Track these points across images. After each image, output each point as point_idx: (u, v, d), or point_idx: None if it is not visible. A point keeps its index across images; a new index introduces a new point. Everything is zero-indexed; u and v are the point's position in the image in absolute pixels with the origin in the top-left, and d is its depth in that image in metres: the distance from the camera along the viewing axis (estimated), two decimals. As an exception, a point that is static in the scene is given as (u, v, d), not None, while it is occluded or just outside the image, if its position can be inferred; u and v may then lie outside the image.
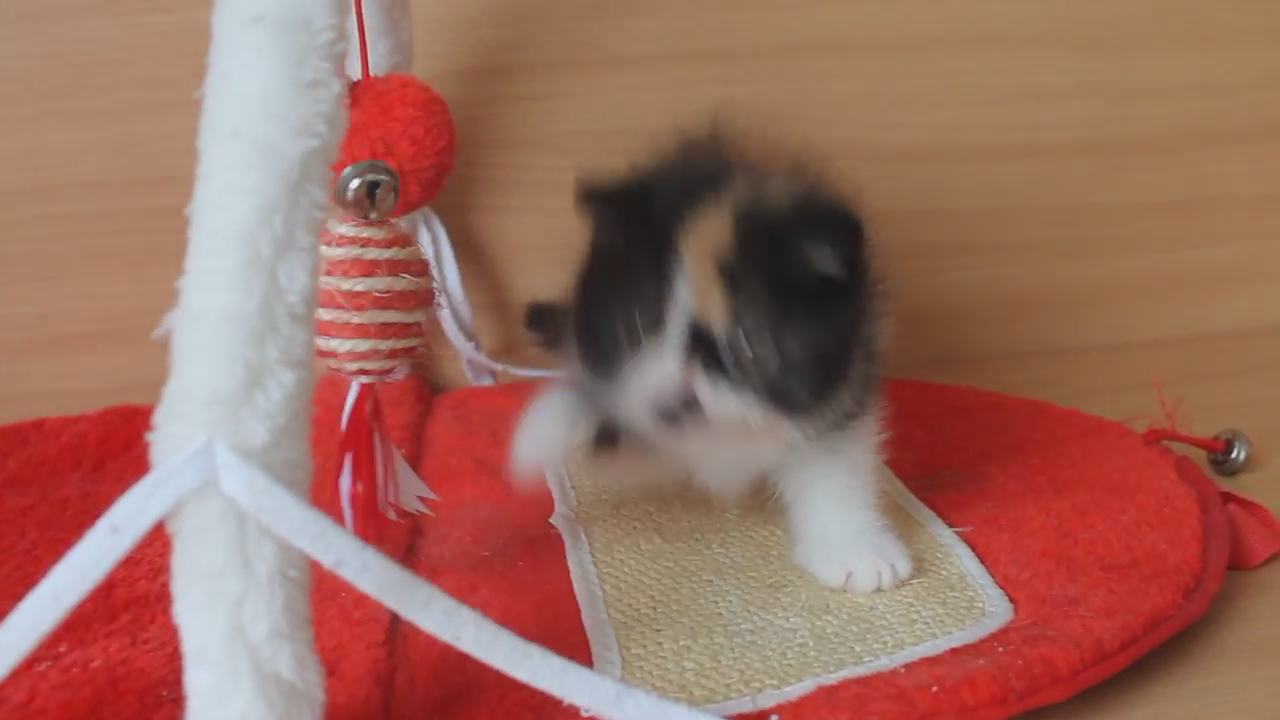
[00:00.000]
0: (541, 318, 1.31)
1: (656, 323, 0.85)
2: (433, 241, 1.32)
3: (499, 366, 1.36)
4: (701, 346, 0.85)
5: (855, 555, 0.90)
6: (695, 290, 0.85)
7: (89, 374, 1.34)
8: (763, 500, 0.99)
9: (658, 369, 0.85)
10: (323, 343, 0.85)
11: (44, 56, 1.29)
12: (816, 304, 0.86)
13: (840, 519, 0.93)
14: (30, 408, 1.25)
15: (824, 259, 0.85)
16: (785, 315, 0.85)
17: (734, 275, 0.85)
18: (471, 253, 1.38)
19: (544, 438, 0.96)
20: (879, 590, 0.89)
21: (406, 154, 1.00)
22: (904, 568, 0.90)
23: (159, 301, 1.33)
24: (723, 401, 0.85)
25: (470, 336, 1.36)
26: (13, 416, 1.23)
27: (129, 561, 0.63)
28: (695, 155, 0.95)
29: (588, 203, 0.90)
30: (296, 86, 0.65)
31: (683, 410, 0.86)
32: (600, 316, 0.89)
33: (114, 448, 1.20)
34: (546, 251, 1.35)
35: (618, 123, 1.36)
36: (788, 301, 0.85)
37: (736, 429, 0.86)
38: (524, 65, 1.36)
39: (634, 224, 0.88)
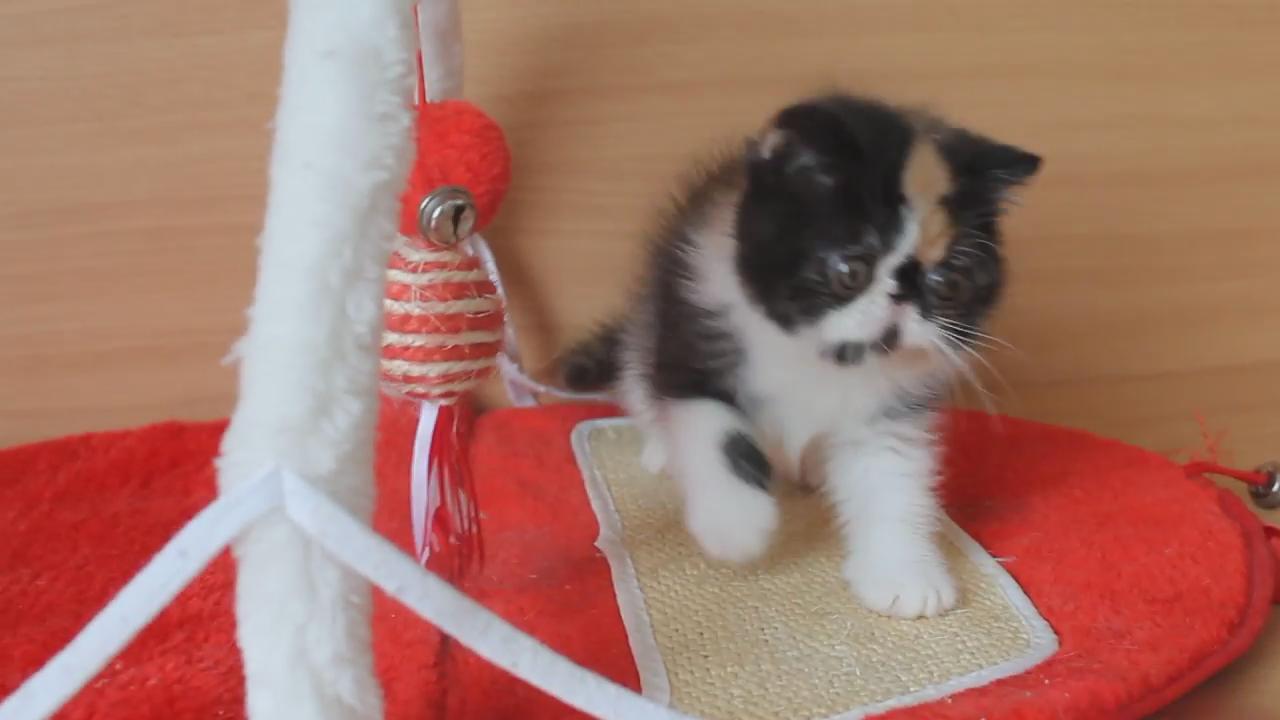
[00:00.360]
0: (584, 374, 1.32)
1: (873, 259, 0.87)
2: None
3: (541, 388, 1.38)
4: (910, 281, 0.87)
5: (903, 580, 0.92)
6: (922, 225, 0.86)
7: (136, 390, 1.36)
8: (810, 489, 1.05)
9: (875, 305, 0.87)
10: (416, 369, 0.86)
11: (99, 76, 1.31)
12: (992, 238, 0.91)
13: (896, 545, 0.95)
14: (77, 422, 1.27)
15: (1010, 193, 0.92)
16: (983, 249, 0.89)
17: (956, 208, 0.88)
18: (516, 275, 1.39)
19: (737, 528, 0.94)
20: (922, 616, 0.90)
21: (462, 180, 1.01)
22: (949, 597, 0.91)
23: (206, 319, 1.37)
24: (925, 332, 0.88)
25: (514, 358, 1.37)
26: (60, 431, 1.25)
27: (182, 580, 0.64)
28: (858, 99, 0.95)
29: (795, 129, 0.89)
30: (367, 120, 0.66)
31: (880, 344, 0.88)
32: (804, 253, 0.88)
33: (161, 464, 1.21)
34: (590, 274, 1.39)
35: (663, 148, 1.36)
36: (984, 235, 0.90)
37: (913, 357, 0.91)
38: (571, 90, 1.37)
39: (846, 158, 0.87)
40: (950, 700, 0.78)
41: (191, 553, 0.63)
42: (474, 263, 0.89)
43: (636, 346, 1.13)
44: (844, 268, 0.87)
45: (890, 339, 0.88)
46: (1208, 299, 1.52)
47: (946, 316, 0.88)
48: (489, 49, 1.34)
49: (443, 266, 0.88)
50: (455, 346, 0.86)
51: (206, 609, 0.91)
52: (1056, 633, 0.87)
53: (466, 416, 1.33)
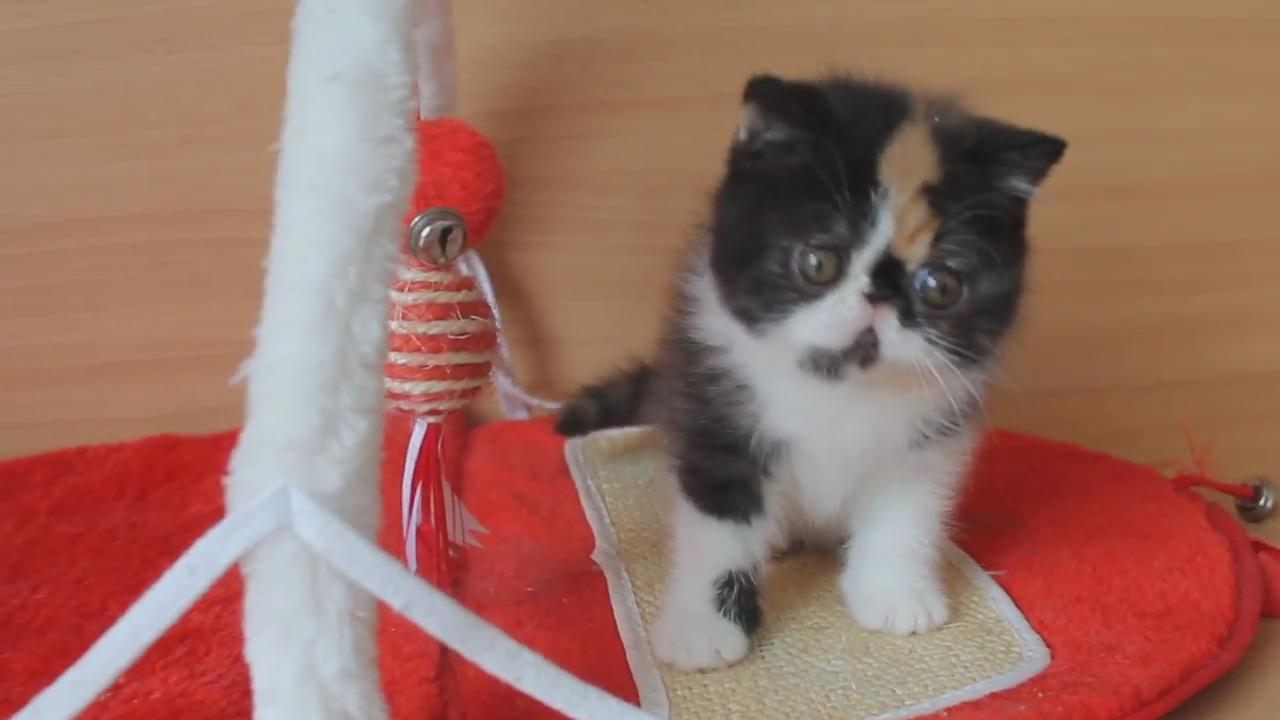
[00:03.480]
0: (578, 425, 1.27)
1: (843, 251, 0.78)
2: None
3: (534, 401, 1.39)
4: (890, 280, 0.78)
5: (895, 602, 0.91)
6: (898, 216, 0.77)
7: (131, 403, 1.36)
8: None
9: (844, 305, 0.78)
10: (396, 385, 0.87)
11: (94, 91, 1.32)
12: (1007, 239, 0.81)
13: (892, 571, 0.92)
14: (73, 434, 1.28)
15: (1024, 176, 0.81)
16: (984, 251, 0.79)
17: (941, 199, 0.78)
18: (508, 288, 1.40)
19: (697, 649, 0.86)
20: (914, 633, 0.90)
21: (457, 198, 1.02)
22: (940, 614, 0.91)
23: (201, 332, 1.37)
24: (907, 345, 0.78)
25: (507, 371, 1.38)
26: (56, 444, 1.26)
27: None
28: (859, 79, 0.87)
29: (763, 100, 0.81)
30: (371, 143, 0.67)
31: (857, 354, 0.78)
32: (770, 247, 0.79)
33: (157, 477, 1.22)
34: (582, 288, 1.40)
35: (653, 162, 1.38)
36: (986, 236, 0.79)
37: (905, 376, 0.80)
38: (562, 106, 1.38)
39: (816, 135, 0.79)
40: (945, 714, 0.79)
41: (200, 569, 0.64)
42: (465, 284, 0.90)
43: (659, 410, 1.02)
44: (811, 260, 0.78)
45: (868, 349, 0.78)
46: (1195, 312, 1.54)
47: (937, 329, 0.78)
48: (481, 65, 1.35)
49: (429, 287, 0.88)
50: (436, 366, 0.88)
51: (207, 623, 0.91)
52: (1049, 646, 0.88)
53: (460, 430, 1.34)
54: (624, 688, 0.83)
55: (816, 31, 1.41)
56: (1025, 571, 0.99)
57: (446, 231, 0.87)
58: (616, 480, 1.21)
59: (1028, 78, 1.47)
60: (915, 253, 0.78)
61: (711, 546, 0.90)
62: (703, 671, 0.85)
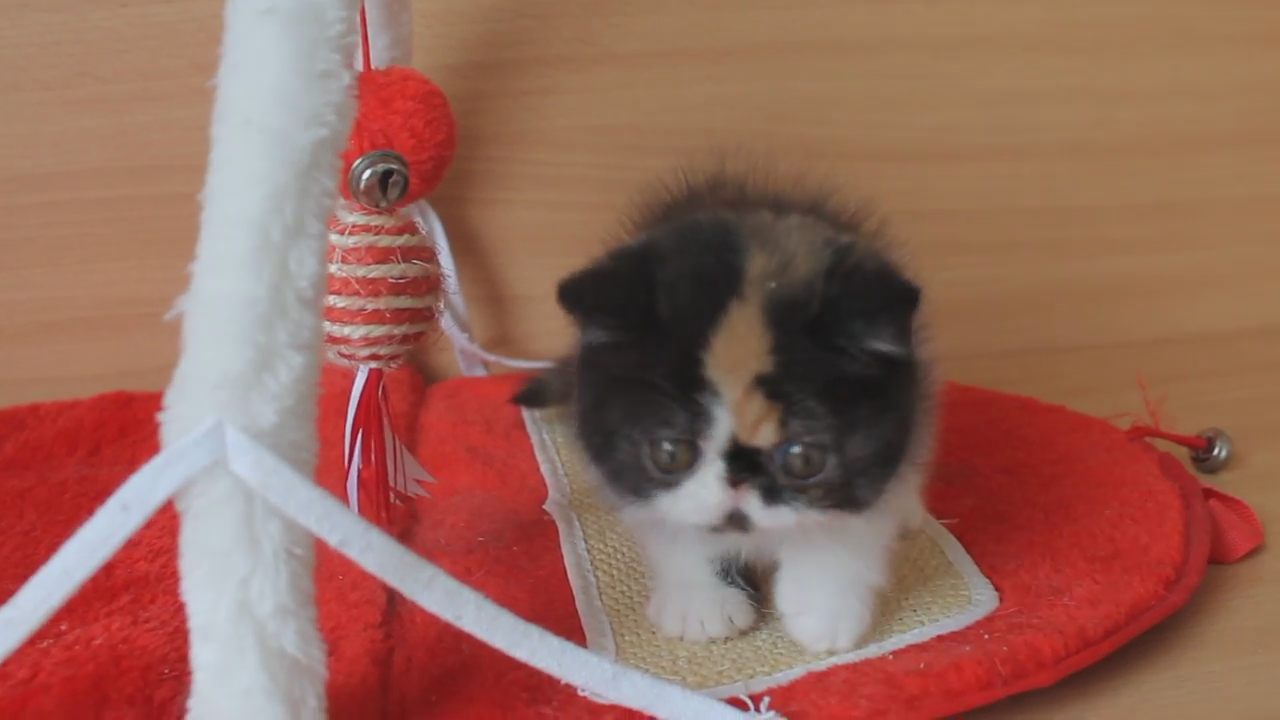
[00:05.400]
0: (535, 397, 1.25)
1: (692, 446, 0.74)
2: (428, 233, 1.34)
3: (491, 358, 1.38)
4: (748, 463, 0.74)
5: (807, 612, 0.83)
6: (734, 412, 0.72)
7: (84, 360, 1.35)
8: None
9: (704, 490, 0.74)
10: (336, 329, 0.86)
11: (45, 45, 1.30)
12: (876, 392, 0.75)
13: (813, 587, 0.83)
14: (26, 392, 1.27)
15: (880, 340, 0.73)
16: (844, 416, 0.73)
17: (778, 386, 0.72)
18: (466, 245, 1.40)
19: (710, 618, 0.84)
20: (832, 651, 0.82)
21: (406, 146, 1.02)
22: (845, 643, 0.81)
23: (155, 289, 1.35)
24: (777, 516, 0.75)
25: (464, 328, 1.37)
26: (8, 401, 1.25)
27: (128, 544, 0.64)
28: (695, 217, 0.82)
29: (577, 307, 0.75)
30: (307, 77, 0.67)
31: (732, 525, 0.75)
32: (620, 437, 0.76)
33: (109, 433, 1.21)
34: (541, 244, 1.40)
35: (613, 118, 1.38)
36: (845, 400, 0.73)
37: (792, 532, 0.77)
38: (521, 61, 1.37)
39: (641, 329, 0.75)
40: (892, 656, 0.79)
41: (134, 506, 0.63)
42: (408, 228, 0.89)
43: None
44: (663, 450, 0.74)
45: (741, 521, 0.75)
46: (1152, 270, 1.55)
47: (807, 497, 0.74)
48: (436, 19, 1.34)
49: (370, 230, 0.88)
50: (375, 310, 0.87)
51: (154, 572, 0.91)
52: (998, 590, 0.88)
53: (417, 386, 1.33)
54: (573, 633, 0.83)
55: (776, -13, 1.41)
56: (978, 519, 0.99)
57: (388, 175, 0.86)
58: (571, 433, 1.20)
59: (988, 35, 1.48)
60: (764, 438, 0.73)
61: (694, 540, 0.84)
62: (714, 641, 0.83)
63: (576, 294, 0.75)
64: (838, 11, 1.43)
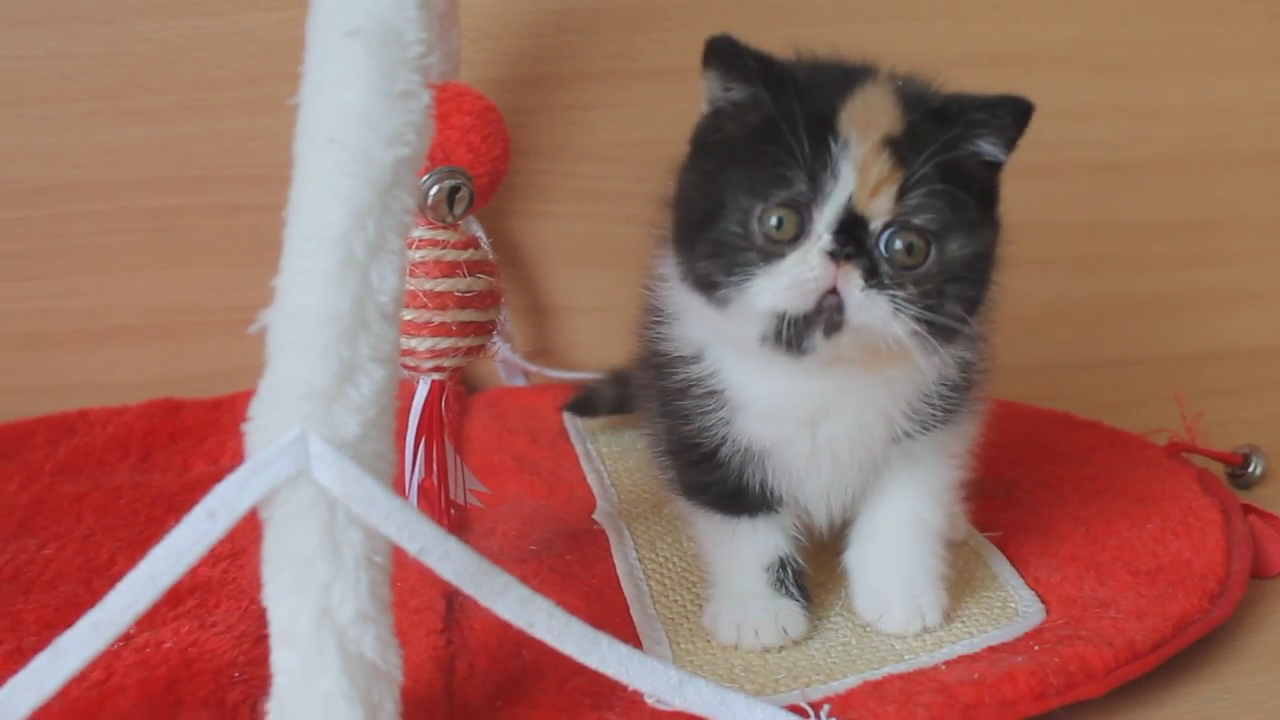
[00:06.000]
0: (586, 406, 1.27)
1: (803, 209, 0.75)
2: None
3: (533, 368, 1.40)
4: (853, 238, 0.74)
5: (892, 600, 0.87)
6: (860, 169, 0.74)
7: (131, 367, 1.37)
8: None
9: (806, 264, 0.74)
10: (402, 342, 0.88)
11: (96, 56, 1.32)
12: (978, 198, 0.78)
13: (892, 559, 0.88)
14: (73, 398, 1.29)
15: (994, 136, 0.78)
16: (953, 209, 0.75)
17: (900, 150, 0.75)
18: (509, 256, 1.41)
19: (765, 627, 0.85)
20: (902, 636, 0.86)
21: (463, 161, 1.03)
22: (933, 619, 0.86)
23: (201, 298, 1.39)
24: (873, 307, 0.74)
25: (506, 338, 1.39)
26: (57, 407, 1.27)
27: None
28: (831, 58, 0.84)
29: (722, 59, 0.78)
30: (389, 97, 0.68)
31: (820, 319, 0.75)
32: (729, 207, 0.76)
33: (160, 439, 1.23)
34: (582, 257, 1.41)
35: (654, 133, 1.38)
36: (954, 194, 0.75)
37: (875, 349, 0.76)
38: (564, 75, 1.39)
39: (775, 92, 0.76)
40: (945, 666, 0.81)
41: (219, 514, 0.65)
42: (471, 243, 0.92)
43: (648, 438, 0.98)
44: (772, 218, 0.75)
45: (832, 314, 0.74)
46: (1184, 287, 1.56)
47: (905, 291, 0.75)
48: (483, 34, 1.36)
49: (437, 245, 0.90)
50: (442, 323, 0.89)
51: (215, 576, 0.93)
52: (1044, 602, 0.90)
53: (460, 395, 1.35)
54: (628, 639, 0.83)
55: (815, 5, 1.43)
56: (1021, 533, 1.01)
57: (454, 190, 0.88)
58: (615, 444, 1.22)
59: (1022, 54, 1.49)
60: (879, 208, 0.75)
61: (750, 543, 0.87)
62: (768, 650, 0.84)
63: (725, 45, 0.78)
64: (873, 30, 1.44)
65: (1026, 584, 0.93)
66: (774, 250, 0.75)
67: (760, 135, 0.76)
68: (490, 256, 0.92)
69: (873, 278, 0.74)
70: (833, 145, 0.74)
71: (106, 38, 1.32)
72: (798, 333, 0.75)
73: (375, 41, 0.69)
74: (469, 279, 0.89)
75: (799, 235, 0.75)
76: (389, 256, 0.68)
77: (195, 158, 1.35)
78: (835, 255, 0.74)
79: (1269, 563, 0.98)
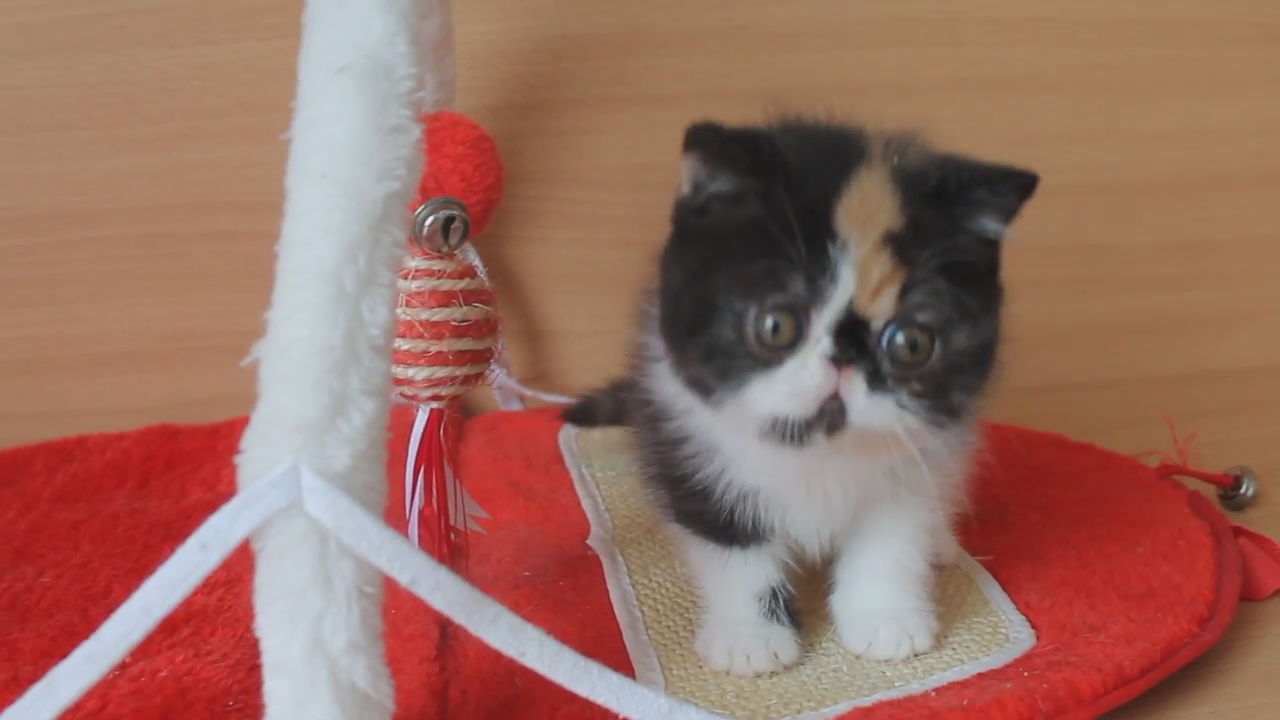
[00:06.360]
0: (585, 415, 1.28)
1: (800, 312, 0.71)
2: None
3: (529, 392, 1.41)
4: (854, 340, 0.71)
5: (879, 624, 0.87)
6: (860, 270, 0.70)
7: (130, 393, 1.38)
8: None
9: (806, 371, 0.71)
10: (400, 371, 0.89)
11: (96, 85, 1.33)
12: (981, 286, 0.75)
13: (884, 589, 0.88)
14: (72, 424, 1.30)
15: (996, 213, 0.74)
16: (958, 301, 0.72)
17: (906, 248, 0.71)
18: (504, 282, 1.42)
19: (756, 653, 0.85)
20: (890, 660, 0.86)
21: (456, 190, 1.04)
22: (923, 642, 0.86)
23: (201, 324, 1.39)
24: (876, 410, 0.72)
25: (502, 363, 1.40)
26: (56, 433, 1.28)
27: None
28: (810, 121, 0.80)
29: (705, 148, 0.74)
30: (379, 132, 0.69)
31: (822, 422, 0.72)
32: (721, 309, 0.73)
33: (157, 466, 1.24)
34: (577, 282, 1.42)
35: (649, 158, 1.40)
36: (958, 284, 0.72)
37: (874, 443, 0.74)
38: (560, 101, 1.40)
39: (765, 185, 0.72)
40: (934, 693, 0.81)
41: (212, 545, 0.65)
42: (467, 272, 0.92)
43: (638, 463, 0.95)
44: (768, 322, 0.71)
45: (834, 417, 0.72)
46: (1178, 308, 1.56)
47: (909, 390, 0.72)
48: (478, 61, 1.37)
49: (433, 275, 0.90)
50: (439, 352, 0.89)
51: (211, 605, 0.93)
52: (1034, 627, 0.90)
53: (456, 420, 1.35)
54: (621, 667, 0.84)
55: (809, 31, 1.44)
56: (1012, 556, 1.01)
57: (449, 220, 0.88)
58: (610, 468, 1.22)
59: (1017, 78, 1.50)
60: (881, 309, 0.71)
61: (742, 572, 0.87)
62: (759, 676, 0.84)
63: (709, 133, 0.73)
64: (868, 55, 1.46)
65: (1018, 609, 0.93)
66: (771, 356, 0.72)
67: (751, 231, 0.72)
68: (486, 285, 0.92)
69: (875, 380, 0.71)
70: (830, 247, 0.70)
71: (106, 67, 1.34)
72: (797, 433, 0.72)
73: (366, 77, 0.69)
74: (465, 308, 0.89)
75: (797, 340, 0.71)
76: (380, 290, 0.68)
77: (193, 185, 1.36)
78: (837, 360, 0.71)
79: (1259, 585, 0.99)
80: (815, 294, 0.71)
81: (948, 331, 0.72)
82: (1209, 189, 1.56)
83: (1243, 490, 1.17)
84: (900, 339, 0.71)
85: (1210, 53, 1.54)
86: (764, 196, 0.72)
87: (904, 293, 0.71)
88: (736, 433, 0.78)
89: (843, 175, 0.72)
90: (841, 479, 0.82)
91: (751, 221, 0.72)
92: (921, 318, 0.72)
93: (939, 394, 0.73)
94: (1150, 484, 1.14)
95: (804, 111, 0.81)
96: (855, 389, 0.71)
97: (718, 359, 0.73)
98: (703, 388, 0.75)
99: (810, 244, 0.70)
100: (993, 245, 0.76)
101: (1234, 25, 1.55)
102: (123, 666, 0.83)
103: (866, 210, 0.71)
